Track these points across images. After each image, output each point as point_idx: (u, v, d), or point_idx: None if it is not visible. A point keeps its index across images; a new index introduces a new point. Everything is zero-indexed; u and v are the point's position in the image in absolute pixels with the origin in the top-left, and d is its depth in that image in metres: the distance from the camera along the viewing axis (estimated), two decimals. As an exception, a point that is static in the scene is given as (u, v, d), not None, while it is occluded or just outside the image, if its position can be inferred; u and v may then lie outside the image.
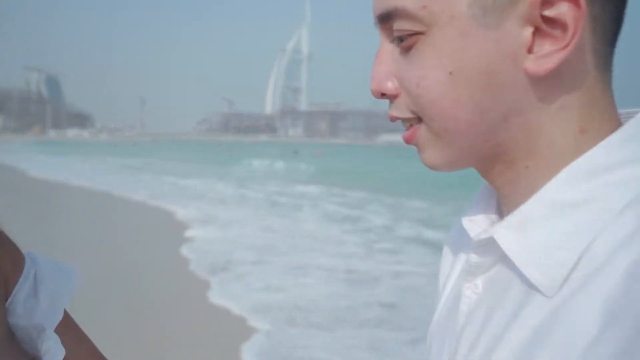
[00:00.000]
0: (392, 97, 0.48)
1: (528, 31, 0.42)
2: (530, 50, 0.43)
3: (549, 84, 0.43)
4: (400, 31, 0.45)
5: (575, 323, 0.38)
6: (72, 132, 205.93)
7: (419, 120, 0.47)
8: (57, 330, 0.47)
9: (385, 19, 0.46)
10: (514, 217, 0.44)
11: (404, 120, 0.48)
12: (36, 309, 0.47)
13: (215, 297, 6.69)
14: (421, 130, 0.47)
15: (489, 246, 0.46)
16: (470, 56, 0.43)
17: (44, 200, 16.25)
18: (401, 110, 0.48)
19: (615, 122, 0.45)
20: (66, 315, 0.50)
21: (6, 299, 0.46)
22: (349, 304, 6.62)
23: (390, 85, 0.48)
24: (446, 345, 0.52)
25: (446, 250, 0.61)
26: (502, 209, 0.50)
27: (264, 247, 9.74)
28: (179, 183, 22.20)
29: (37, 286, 0.47)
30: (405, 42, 0.45)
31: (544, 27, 0.42)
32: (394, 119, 0.48)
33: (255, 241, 10.25)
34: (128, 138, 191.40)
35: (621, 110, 0.46)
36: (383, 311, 6.37)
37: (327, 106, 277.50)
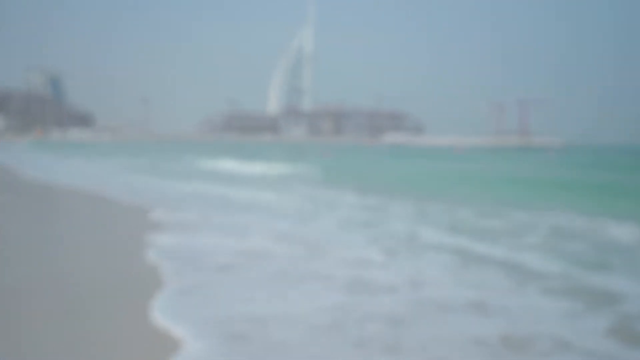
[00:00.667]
0: None
1: None
2: None
3: None
4: None
5: None
6: (74, 132, 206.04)
7: None
8: None
9: None
10: None
11: None
12: None
13: (158, 307, 6.06)
14: None
15: None
16: None
17: (33, 203, 15.95)
18: None
19: None
20: None
21: None
22: (341, 319, 5.83)
23: None
24: None
25: None
26: None
27: (255, 252, 8.99)
28: (181, 186, 21.83)
29: None
30: None
31: None
32: None
33: (247, 246, 9.48)
34: (130, 138, 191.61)
35: None
36: (386, 328, 5.60)
37: (331, 106, 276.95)
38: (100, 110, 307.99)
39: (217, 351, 4.91)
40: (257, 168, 32.72)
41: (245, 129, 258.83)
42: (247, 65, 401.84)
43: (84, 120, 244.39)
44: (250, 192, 19.12)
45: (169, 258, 8.41)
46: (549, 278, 7.57)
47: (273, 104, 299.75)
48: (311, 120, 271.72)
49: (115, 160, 44.57)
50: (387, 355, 4.97)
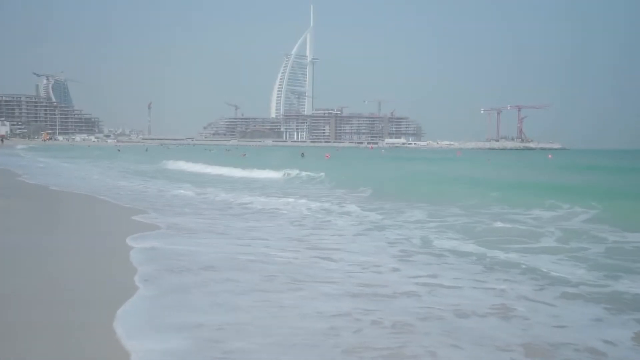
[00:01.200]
0: None
1: None
2: None
3: None
4: None
5: None
6: (80, 138, 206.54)
7: None
8: None
9: None
10: None
11: None
12: None
13: (124, 314, 5.66)
14: None
15: None
16: None
17: (23, 204, 15.57)
18: None
19: None
20: None
21: None
22: (340, 325, 5.43)
23: None
24: None
25: None
26: None
27: (251, 256, 8.51)
28: (183, 190, 21.36)
29: None
30: None
31: None
32: None
33: (244, 250, 8.98)
34: (135, 143, 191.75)
35: None
36: (388, 335, 5.21)
37: (331, 110, 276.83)
38: (105, 115, 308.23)
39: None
40: (260, 172, 32.31)
41: (247, 134, 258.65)
42: (250, 70, 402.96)
43: (89, 125, 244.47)
44: (253, 197, 18.68)
45: (160, 261, 8.06)
46: (568, 283, 7.34)
47: (274, 109, 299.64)
48: (312, 124, 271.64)
49: (119, 164, 44.43)
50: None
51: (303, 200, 17.40)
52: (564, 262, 8.63)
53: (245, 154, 73.45)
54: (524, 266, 8.27)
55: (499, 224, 12.39)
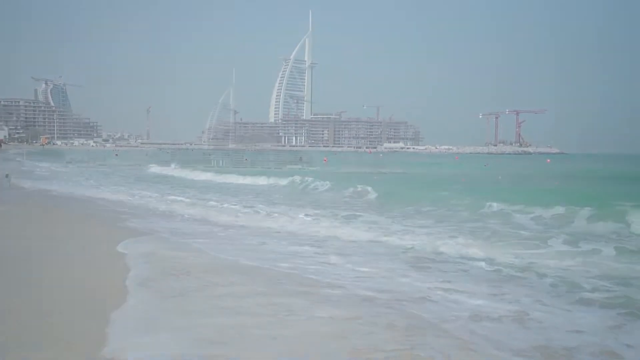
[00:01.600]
0: None
1: None
2: None
3: None
4: None
5: None
6: (78, 142, 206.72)
7: None
8: None
9: None
10: None
11: None
12: None
13: (116, 321, 5.50)
14: None
15: None
16: None
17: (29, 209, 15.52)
18: None
19: None
20: None
21: None
22: (351, 329, 5.40)
23: None
24: None
25: None
26: None
27: (260, 265, 8.36)
28: (185, 199, 21.24)
29: None
30: None
31: None
32: None
33: (249, 257, 8.84)
34: (134, 147, 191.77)
35: None
36: (401, 339, 5.16)
37: (330, 115, 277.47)
38: (104, 119, 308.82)
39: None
40: (260, 178, 32.11)
41: (245, 138, 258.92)
42: (248, 74, 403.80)
43: (88, 129, 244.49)
44: (254, 203, 18.50)
45: (158, 265, 7.99)
46: (582, 288, 7.28)
47: (273, 113, 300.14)
48: (310, 129, 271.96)
49: (116, 168, 44.27)
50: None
51: (306, 206, 17.30)
52: (576, 266, 8.57)
53: (247, 159, 73.45)
54: (536, 271, 8.21)
55: (506, 228, 12.36)
